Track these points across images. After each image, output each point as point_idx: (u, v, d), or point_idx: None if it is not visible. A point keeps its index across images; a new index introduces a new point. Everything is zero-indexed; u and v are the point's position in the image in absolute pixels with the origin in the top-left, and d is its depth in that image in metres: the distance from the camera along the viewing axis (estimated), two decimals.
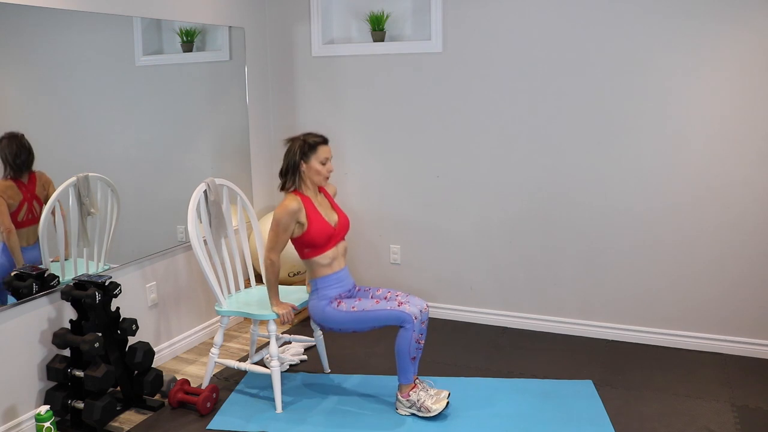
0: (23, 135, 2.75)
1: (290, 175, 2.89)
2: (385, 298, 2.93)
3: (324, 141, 2.92)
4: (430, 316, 4.08)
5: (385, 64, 3.95)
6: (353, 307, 2.86)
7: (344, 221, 3.02)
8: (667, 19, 3.30)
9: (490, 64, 3.70)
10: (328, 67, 4.11)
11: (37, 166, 2.82)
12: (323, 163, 2.89)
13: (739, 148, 3.29)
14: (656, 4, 3.30)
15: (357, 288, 3.06)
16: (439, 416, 2.87)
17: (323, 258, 2.91)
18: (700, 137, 3.35)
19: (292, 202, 2.83)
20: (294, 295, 3.18)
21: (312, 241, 2.87)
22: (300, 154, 2.86)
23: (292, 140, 2.92)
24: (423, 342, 2.86)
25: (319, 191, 3.01)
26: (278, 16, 4.20)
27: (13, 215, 2.76)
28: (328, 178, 2.94)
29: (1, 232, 2.72)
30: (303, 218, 2.84)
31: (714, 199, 3.38)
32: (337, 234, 2.96)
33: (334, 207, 3.04)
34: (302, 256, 2.95)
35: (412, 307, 2.82)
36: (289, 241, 2.93)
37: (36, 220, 2.84)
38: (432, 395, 2.87)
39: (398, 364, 2.85)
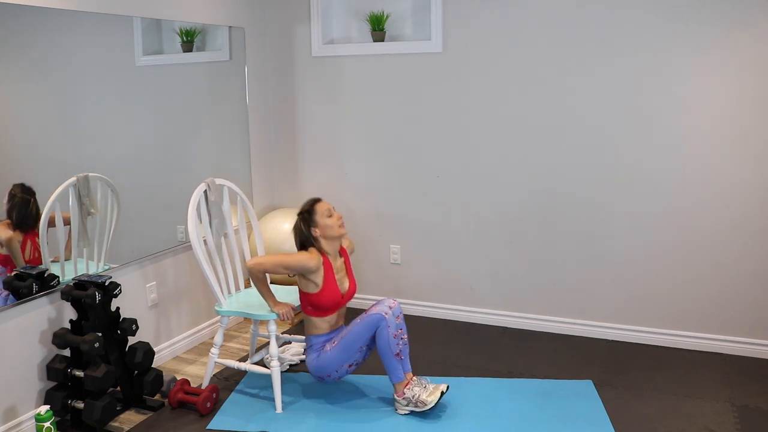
0: (34, 196, 2.78)
1: (310, 245, 2.95)
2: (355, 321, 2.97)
3: (317, 200, 3.00)
4: (430, 315, 4.10)
5: (385, 64, 3.95)
6: (334, 342, 2.94)
7: (353, 290, 3.08)
8: (670, 21, 3.29)
9: (490, 64, 3.70)
10: (328, 67, 4.11)
11: (36, 167, 2.82)
12: (329, 216, 2.94)
13: (740, 150, 3.29)
14: (658, 6, 3.31)
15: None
16: (438, 416, 2.87)
17: (323, 321, 2.98)
18: (701, 139, 3.35)
19: (312, 261, 2.87)
20: (292, 295, 3.17)
21: (319, 304, 2.93)
22: (305, 225, 2.95)
23: (294, 225, 3.01)
24: (405, 337, 2.89)
25: (340, 254, 3.05)
26: (278, 16, 4.20)
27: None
28: (342, 225, 2.98)
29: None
30: (319, 280, 2.90)
31: (714, 200, 3.38)
32: (343, 302, 3.02)
33: (348, 272, 3.09)
34: (304, 310, 3.01)
35: (380, 306, 2.88)
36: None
37: (40, 258, 2.85)
38: (430, 389, 2.87)
39: (384, 364, 2.87)
